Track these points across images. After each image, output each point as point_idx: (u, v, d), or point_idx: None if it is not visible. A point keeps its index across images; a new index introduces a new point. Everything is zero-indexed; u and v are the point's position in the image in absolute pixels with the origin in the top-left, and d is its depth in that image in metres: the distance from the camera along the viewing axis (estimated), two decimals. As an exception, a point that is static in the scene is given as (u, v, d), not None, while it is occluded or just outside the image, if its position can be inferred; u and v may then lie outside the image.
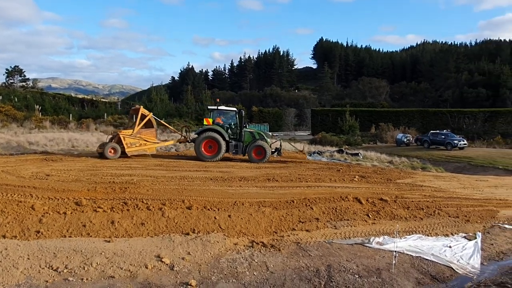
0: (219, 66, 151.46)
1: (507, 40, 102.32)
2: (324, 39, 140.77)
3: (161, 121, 20.95)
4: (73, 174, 12.06)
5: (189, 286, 5.47)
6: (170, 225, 7.47)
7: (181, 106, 49.82)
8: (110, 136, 18.12)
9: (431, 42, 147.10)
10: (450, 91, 76.68)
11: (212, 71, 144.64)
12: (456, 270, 6.82)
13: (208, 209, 8.27)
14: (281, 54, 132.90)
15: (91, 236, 6.80)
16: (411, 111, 55.56)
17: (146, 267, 5.86)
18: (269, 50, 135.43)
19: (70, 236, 6.74)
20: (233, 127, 18.40)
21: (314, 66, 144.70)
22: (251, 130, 18.64)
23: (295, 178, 13.19)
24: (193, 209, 8.13)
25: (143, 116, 17.86)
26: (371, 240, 7.49)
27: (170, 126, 22.08)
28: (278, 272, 6.10)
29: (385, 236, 7.73)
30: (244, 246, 6.92)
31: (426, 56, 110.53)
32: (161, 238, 6.96)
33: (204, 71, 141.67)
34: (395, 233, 7.66)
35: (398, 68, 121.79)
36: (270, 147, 18.27)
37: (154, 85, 52.44)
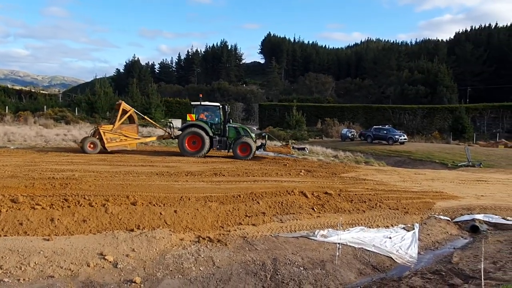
0: (166, 59, 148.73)
1: (444, 40, 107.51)
2: (272, 34, 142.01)
3: (145, 116, 20.53)
4: (9, 169, 11.42)
5: (134, 284, 5.35)
6: (114, 221, 7.24)
7: (127, 100, 48.45)
8: (92, 131, 17.72)
9: (374, 40, 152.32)
10: (392, 87, 79.38)
11: (159, 64, 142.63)
12: (396, 260, 7.13)
13: (154, 205, 8.10)
14: (229, 48, 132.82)
15: (28, 235, 6.45)
16: (356, 107, 57.36)
17: (88, 266, 5.67)
18: (217, 44, 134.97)
19: (6, 235, 6.36)
20: (217, 122, 18.23)
21: (262, 61, 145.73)
22: (236, 126, 18.52)
23: (241, 173, 13.23)
24: (138, 205, 7.93)
25: (124, 112, 17.55)
26: (315, 233, 7.63)
27: (153, 122, 21.71)
28: (225, 267, 6.10)
29: (329, 229, 7.91)
30: (190, 241, 6.84)
31: (370, 53, 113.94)
32: (104, 235, 6.73)
33: (150, 64, 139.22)
34: (338, 225, 7.86)
35: (344, 64, 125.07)
36: (255, 142, 18.22)
37: (98, 77, 50.87)
